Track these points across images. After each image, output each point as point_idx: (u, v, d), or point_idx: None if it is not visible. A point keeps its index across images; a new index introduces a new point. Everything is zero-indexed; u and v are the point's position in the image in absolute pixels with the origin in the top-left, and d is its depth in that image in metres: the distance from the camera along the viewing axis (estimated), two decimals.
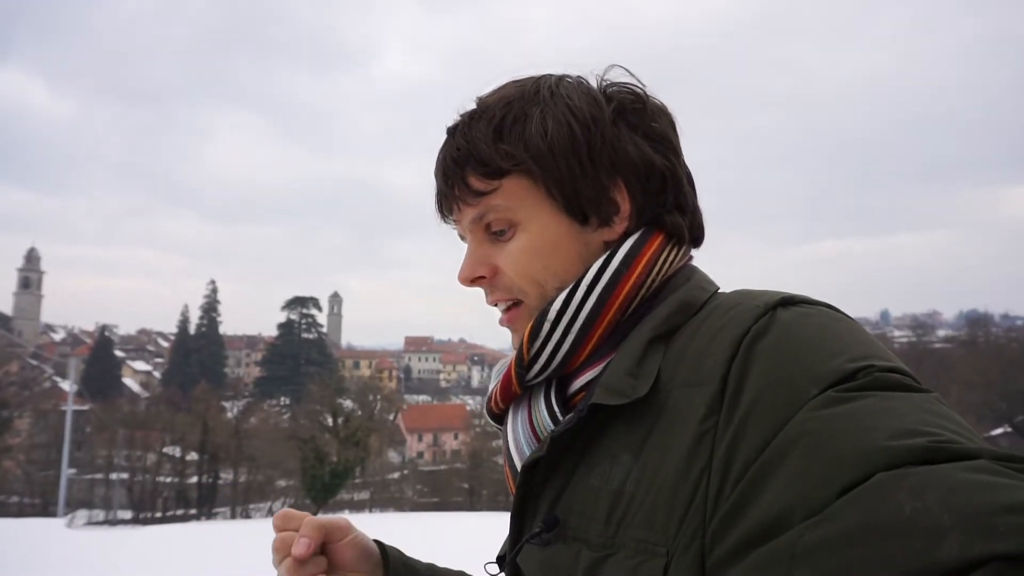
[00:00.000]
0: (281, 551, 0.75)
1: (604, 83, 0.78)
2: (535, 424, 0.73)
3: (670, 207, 0.77)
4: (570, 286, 0.73)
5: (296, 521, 0.77)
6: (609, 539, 0.60)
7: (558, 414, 0.72)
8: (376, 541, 0.86)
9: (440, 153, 0.79)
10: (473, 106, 0.79)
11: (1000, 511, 0.39)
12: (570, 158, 0.73)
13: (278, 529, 0.78)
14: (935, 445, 0.45)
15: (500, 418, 0.81)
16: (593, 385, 0.71)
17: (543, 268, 0.75)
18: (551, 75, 0.79)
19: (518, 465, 0.72)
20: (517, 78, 0.80)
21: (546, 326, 0.72)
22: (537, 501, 0.69)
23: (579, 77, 0.79)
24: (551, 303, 0.73)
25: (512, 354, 0.77)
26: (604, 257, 0.74)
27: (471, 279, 0.79)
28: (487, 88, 0.80)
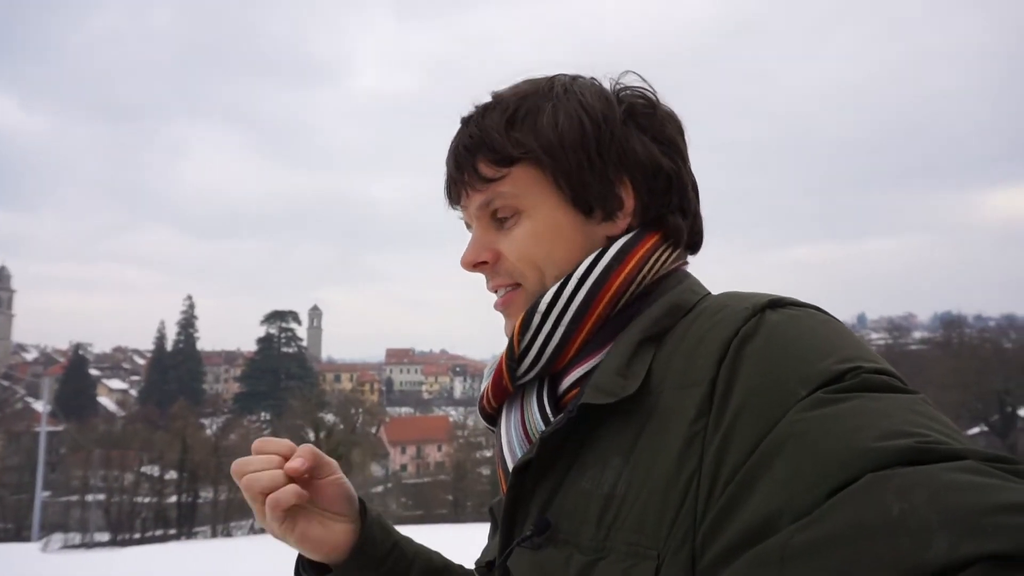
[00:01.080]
0: (257, 468, 0.75)
1: (617, 86, 0.80)
2: (527, 425, 0.74)
3: (673, 208, 0.78)
4: (561, 280, 0.74)
5: (276, 446, 0.78)
6: (600, 542, 0.60)
7: (549, 414, 0.72)
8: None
9: (452, 141, 0.81)
10: (488, 99, 0.81)
11: (988, 511, 0.39)
12: (579, 151, 0.75)
13: (257, 451, 0.78)
14: (922, 446, 0.46)
15: (493, 419, 0.81)
16: (583, 383, 0.71)
17: (545, 255, 0.76)
18: (565, 74, 0.81)
19: (510, 467, 0.72)
20: (532, 77, 0.82)
21: (536, 318, 0.73)
22: (528, 504, 0.69)
23: (592, 78, 0.81)
24: (541, 296, 0.74)
25: (503, 350, 0.78)
26: (597, 252, 0.75)
27: (474, 263, 0.80)
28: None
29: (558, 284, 0.74)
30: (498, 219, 0.79)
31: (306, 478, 0.78)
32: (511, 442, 0.75)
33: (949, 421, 0.52)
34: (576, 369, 0.73)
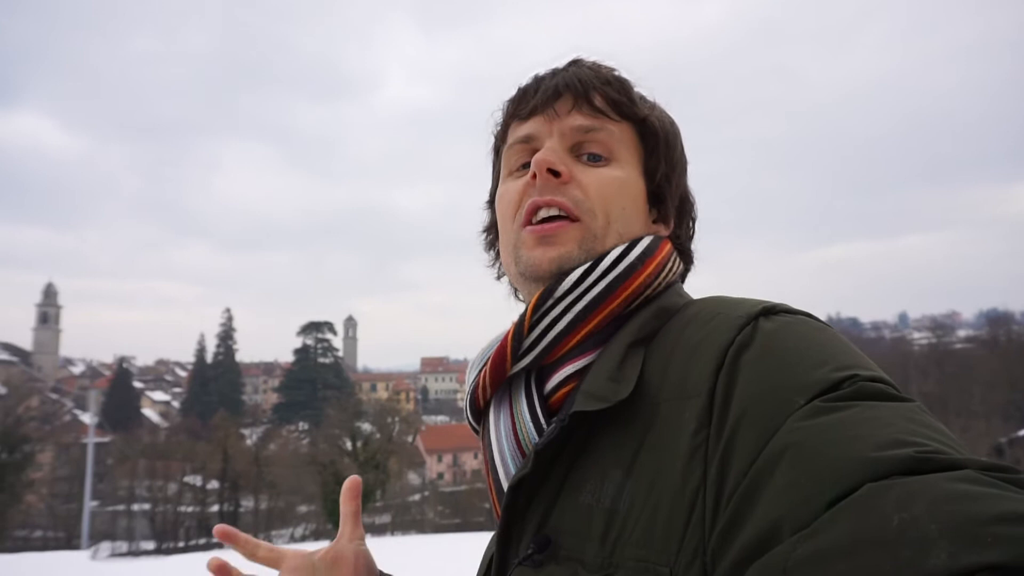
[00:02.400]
0: None
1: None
2: (519, 435, 0.71)
3: (687, 235, 0.85)
4: (587, 265, 0.73)
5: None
6: (606, 559, 0.59)
7: (541, 420, 0.70)
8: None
9: (576, 63, 0.81)
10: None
11: (987, 521, 0.39)
12: (672, 155, 0.82)
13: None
14: (921, 455, 0.46)
15: (479, 418, 0.79)
16: (571, 383, 0.70)
17: (621, 208, 0.76)
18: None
19: (503, 480, 0.71)
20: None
21: (551, 300, 0.72)
22: (523, 521, 0.67)
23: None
24: (563, 279, 0.73)
25: (497, 336, 0.77)
26: (623, 247, 0.74)
27: (551, 167, 0.74)
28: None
29: (581, 271, 0.72)
30: (581, 153, 0.78)
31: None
32: (503, 453, 0.72)
33: (947, 430, 0.52)
34: (567, 365, 0.71)
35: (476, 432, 0.80)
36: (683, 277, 0.84)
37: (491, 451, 0.74)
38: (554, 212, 0.75)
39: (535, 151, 0.78)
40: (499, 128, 0.86)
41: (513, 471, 0.70)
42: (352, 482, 0.87)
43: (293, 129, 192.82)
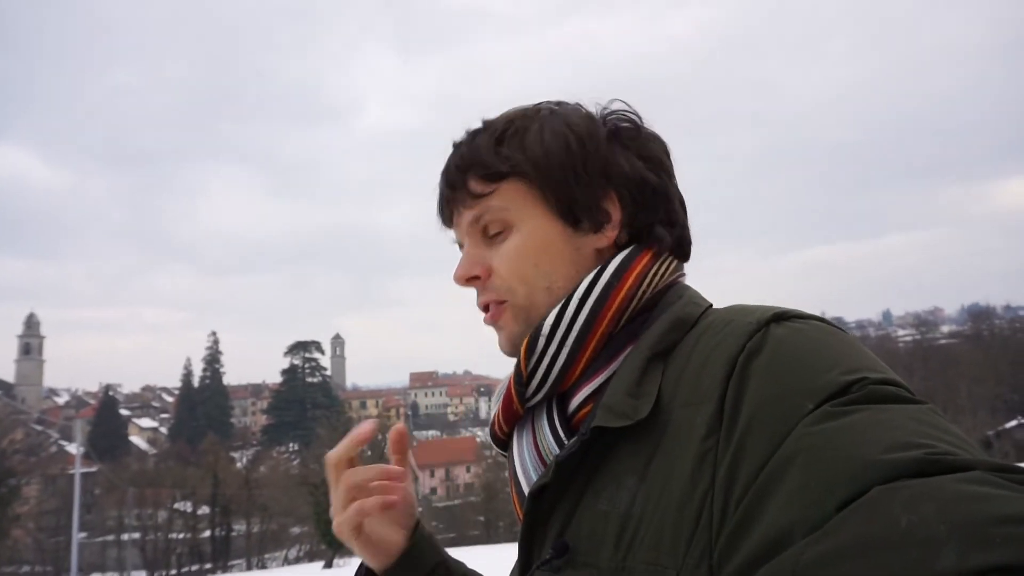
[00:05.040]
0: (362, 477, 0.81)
1: (604, 111, 0.83)
2: (540, 448, 0.74)
3: (660, 221, 0.80)
4: (562, 301, 0.75)
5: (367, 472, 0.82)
6: (619, 563, 0.60)
7: (562, 436, 0.73)
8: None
9: (445, 163, 0.84)
10: (478, 125, 0.84)
11: (996, 522, 0.39)
12: (565, 165, 0.77)
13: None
14: (930, 457, 0.46)
15: (504, 444, 0.82)
16: (593, 401, 0.72)
17: (534, 267, 0.77)
18: (551, 100, 0.84)
19: (525, 491, 0.72)
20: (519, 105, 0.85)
21: (541, 341, 0.74)
22: (545, 528, 0.69)
23: (577, 103, 0.84)
24: (544, 319, 0.75)
25: (511, 372, 0.78)
26: (595, 271, 0.76)
27: (466, 278, 0.81)
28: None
29: (559, 307, 0.75)
30: (488, 235, 0.80)
31: (385, 483, 0.82)
32: (525, 465, 0.75)
33: (958, 431, 0.52)
34: (585, 387, 0.73)
35: (504, 456, 0.82)
36: (683, 258, 0.83)
37: (514, 466, 0.77)
38: (493, 306, 0.81)
39: None
40: None
41: (535, 480, 0.71)
42: (397, 432, 0.88)
43: (276, 154, 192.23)
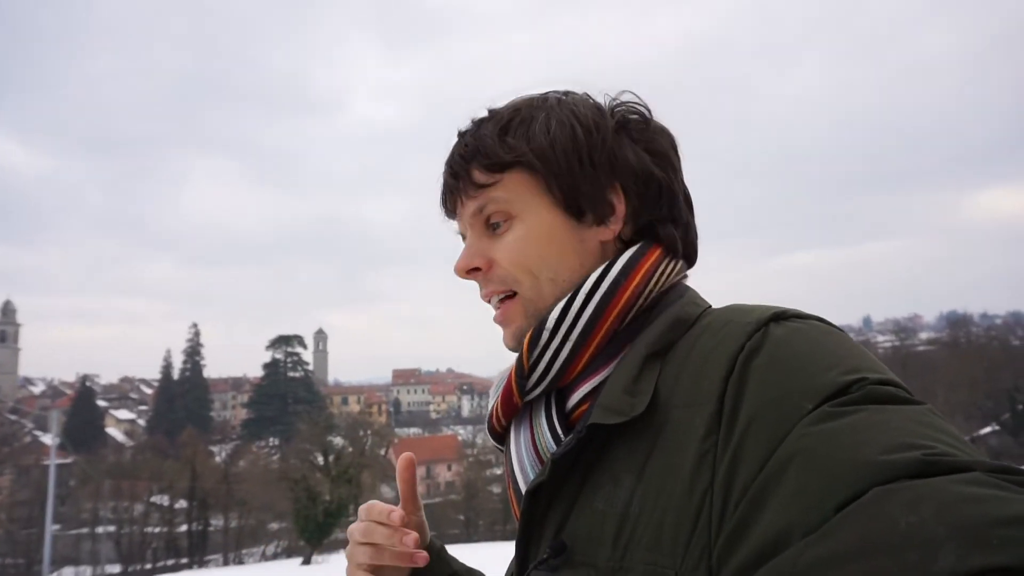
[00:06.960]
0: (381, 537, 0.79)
1: (612, 102, 0.81)
2: (538, 444, 0.74)
3: (664, 217, 0.79)
4: (568, 295, 0.75)
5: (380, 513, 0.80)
6: (617, 562, 0.60)
7: (560, 433, 0.72)
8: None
9: (449, 152, 0.83)
10: (484, 114, 0.83)
11: (995, 523, 0.39)
12: (570, 156, 0.76)
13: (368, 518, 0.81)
14: (929, 458, 0.46)
15: (502, 438, 0.81)
16: (591, 399, 0.72)
17: (537, 258, 0.77)
18: (558, 90, 0.83)
19: (522, 488, 0.72)
20: (526, 94, 0.83)
21: (545, 334, 0.74)
22: (542, 526, 0.69)
23: (586, 93, 0.82)
24: (549, 311, 0.75)
25: (510, 365, 0.78)
26: (603, 267, 0.75)
27: (467, 270, 0.80)
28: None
29: (565, 300, 0.74)
30: (491, 225, 0.80)
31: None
32: (522, 462, 0.75)
33: (957, 432, 0.51)
34: (584, 384, 0.73)
35: (500, 450, 0.82)
36: (689, 259, 0.82)
37: (511, 462, 0.77)
38: (497, 297, 0.80)
39: None
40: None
41: (532, 478, 0.71)
42: (405, 460, 0.85)
43: (260, 145, 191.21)
